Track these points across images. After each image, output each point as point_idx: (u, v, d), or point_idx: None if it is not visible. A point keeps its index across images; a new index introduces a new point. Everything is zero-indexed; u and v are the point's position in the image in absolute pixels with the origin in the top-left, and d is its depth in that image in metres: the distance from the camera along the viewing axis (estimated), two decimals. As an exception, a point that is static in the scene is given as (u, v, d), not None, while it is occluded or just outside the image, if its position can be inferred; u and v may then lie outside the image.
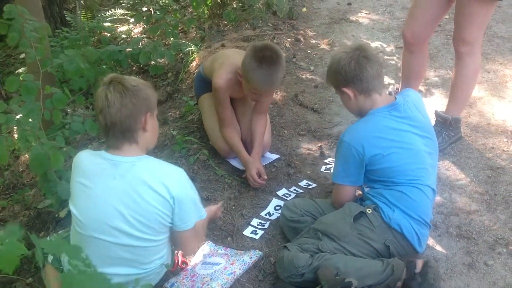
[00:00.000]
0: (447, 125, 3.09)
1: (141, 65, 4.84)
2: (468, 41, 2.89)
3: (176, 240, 2.17)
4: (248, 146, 3.11)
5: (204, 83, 3.20)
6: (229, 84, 2.91)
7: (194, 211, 2.05)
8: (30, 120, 2.47)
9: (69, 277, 1.15)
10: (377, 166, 2.21)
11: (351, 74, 2.21)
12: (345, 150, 2.24)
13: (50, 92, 2.63)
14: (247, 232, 2.56)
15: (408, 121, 2.25)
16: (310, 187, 2.88)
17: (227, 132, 3.05)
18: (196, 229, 2.10)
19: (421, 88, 3.87)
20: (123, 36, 5.64)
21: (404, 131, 2.23)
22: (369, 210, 2.21)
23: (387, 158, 2.19)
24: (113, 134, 1.91)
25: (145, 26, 5.50)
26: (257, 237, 2.52)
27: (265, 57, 2.65)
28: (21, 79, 2.63)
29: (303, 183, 2.91)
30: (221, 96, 2.97)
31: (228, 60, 3.00)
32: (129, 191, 1.89)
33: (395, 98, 2.32)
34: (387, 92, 2.38)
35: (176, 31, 4.65)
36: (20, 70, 4.08)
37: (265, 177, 2.86)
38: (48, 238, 2.41)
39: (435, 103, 3.66)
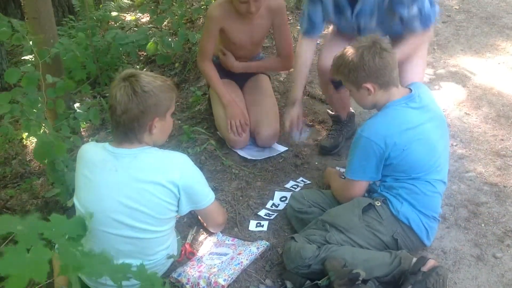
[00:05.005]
0: None
1: (148, 55, 4.84)
2: None
3: (203, 218, 2.38)
4: (256, 137, 3.11)
5: (217, 68, 3.21)
6: (223, 13, 2.96)
7: (206, 189, 2.11)
8: (34, 110, 2.46)
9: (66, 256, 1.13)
10: (394, 160, 2.12)
11: (374, 69, 2.08)
12: (364, 145, 2.14)
13: (53, 82, 2.62)
14: (252, 227, 2.52)
15: (425, 112, 2.17)
16: (306, 183, 2.84)
17: (206, 66, 3.13)
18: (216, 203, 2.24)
19: (427, 78, 3.84)
20: (130, 25, 5.62)
21: (422, 124, 2.14)
22: (377, 203, 2.18)
23: (406, 153, 2.10)
24: (117, 131, 1.92)
25: (151, 17, 5.48)
26: (264, 228, 2.51)
27: None
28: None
29: (298, 180, 2.87)
30: (210, 26, 3.02)
31: None
32: (131, 183, 1.89)
33: (410, 89, 2.23)
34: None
35: (183, 21, 4.63)
36: (27, 57, 4.06)
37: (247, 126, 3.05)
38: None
39: (443, 95, 3.63)
